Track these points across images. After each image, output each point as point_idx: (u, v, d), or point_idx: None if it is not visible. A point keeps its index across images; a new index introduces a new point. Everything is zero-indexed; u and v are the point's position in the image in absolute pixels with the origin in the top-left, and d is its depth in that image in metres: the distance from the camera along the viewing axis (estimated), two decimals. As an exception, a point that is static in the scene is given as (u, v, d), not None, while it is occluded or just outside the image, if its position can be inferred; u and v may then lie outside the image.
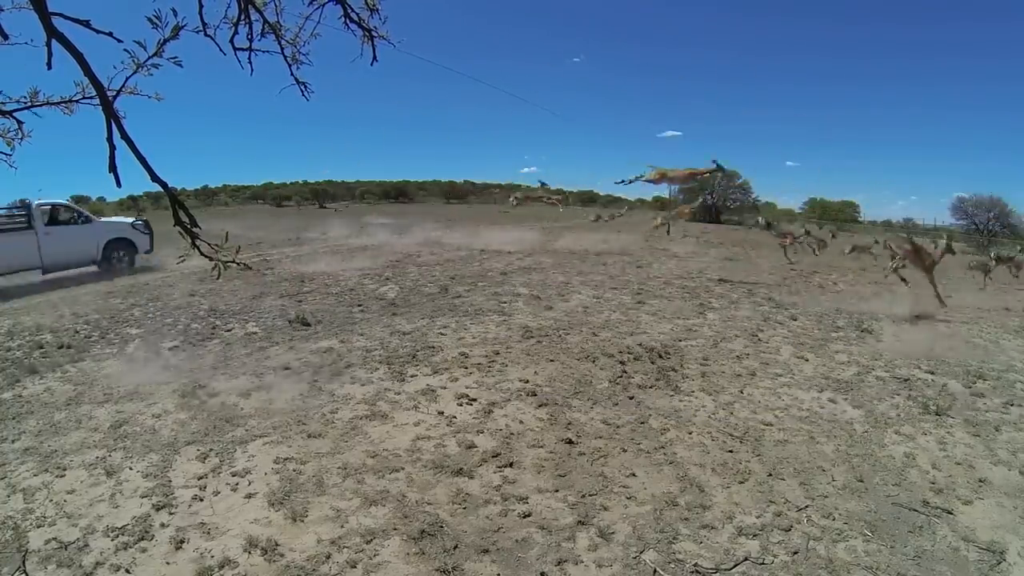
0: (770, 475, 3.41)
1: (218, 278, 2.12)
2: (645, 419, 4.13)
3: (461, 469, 3.36)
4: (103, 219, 11.91)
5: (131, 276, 10.43)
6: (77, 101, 1.93)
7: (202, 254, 1.85)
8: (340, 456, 3.51)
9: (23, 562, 2.56)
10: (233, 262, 1.89)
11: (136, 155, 1.75)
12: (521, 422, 4.04)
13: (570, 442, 3.73)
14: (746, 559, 2.66)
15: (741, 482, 3.32)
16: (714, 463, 3.52)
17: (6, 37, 1.73)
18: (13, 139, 2.06)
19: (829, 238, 16.08)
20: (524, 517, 2.92)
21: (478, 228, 19.67)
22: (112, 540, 2.72)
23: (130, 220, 12.06)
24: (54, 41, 1.57)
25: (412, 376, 4.94)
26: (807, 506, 3.11)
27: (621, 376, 5.00)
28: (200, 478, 3.27)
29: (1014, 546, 2.81)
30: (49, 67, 1.65)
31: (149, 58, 1.76)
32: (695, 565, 2.60)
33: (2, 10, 1.95)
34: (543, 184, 18.57)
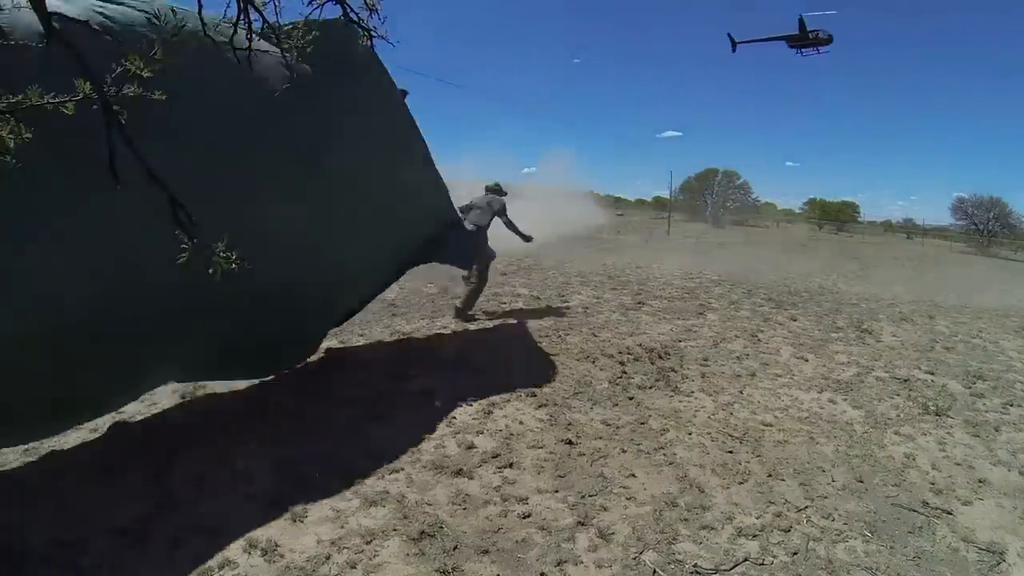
0: (770, 476, 3.41)
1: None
2: (645, 420, 4.13)
3: (461, 470, 3.35)
4: None
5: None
6: (77, 101, 1.92)
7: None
8: (340, 456, 3.51)
9: (23, 562, 2.55)
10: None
11: (136, 155, 1.75)
12: (521, 423, 4.04)
13: (570, 443, 3.72)
14: (746, 560, 2.66)
15: (741, 483, 3.32)
16: (714, 464, 3.52)
17: (6, 37, 1.73)
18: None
19: None
20: (524, 518, 2.92)
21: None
22: (112, 540, 2.72)
23: None
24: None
25: (412, 376, 4.93)
26: (807, 507, 3.11)
27: (621, 377, 5.00)
28: (200, 478, 3.26)
29: (1014, 546, 2.82)
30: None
31: (149, 57, 1.75)
32: (695, 566, 2.60)
33: (2, 10, 1.95)
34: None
